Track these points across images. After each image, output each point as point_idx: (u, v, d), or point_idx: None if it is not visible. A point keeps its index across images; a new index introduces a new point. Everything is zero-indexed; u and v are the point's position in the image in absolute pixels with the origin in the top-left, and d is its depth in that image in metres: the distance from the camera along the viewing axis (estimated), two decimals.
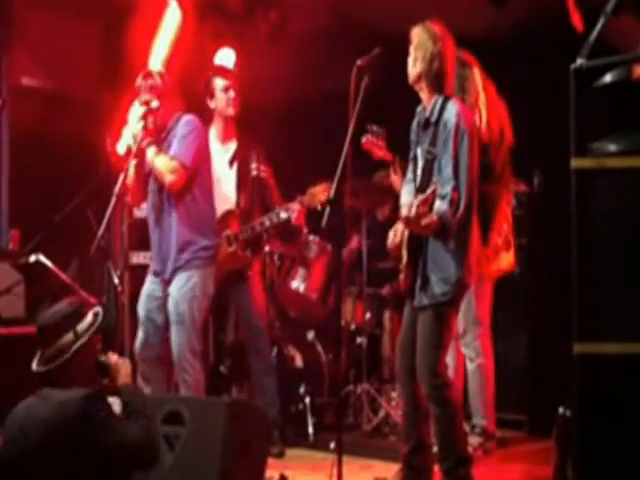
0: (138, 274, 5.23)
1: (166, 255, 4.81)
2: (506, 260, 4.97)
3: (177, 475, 3.88)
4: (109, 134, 5.53)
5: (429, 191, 3.77)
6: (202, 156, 4.90)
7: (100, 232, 4.60)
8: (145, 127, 4.76)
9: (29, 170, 6.03)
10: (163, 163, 4.73)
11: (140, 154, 4.79)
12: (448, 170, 3.92)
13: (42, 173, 6.07)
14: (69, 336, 3.15)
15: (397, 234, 4.07)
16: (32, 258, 5.06)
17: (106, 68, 5.13)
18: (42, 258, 5.05)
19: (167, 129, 4.86)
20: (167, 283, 4.83)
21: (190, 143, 4.80)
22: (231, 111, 5.29)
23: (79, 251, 5.80)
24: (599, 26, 2.73)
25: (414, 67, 4.06)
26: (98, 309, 3.31)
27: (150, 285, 4.92)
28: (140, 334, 4.85)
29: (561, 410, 3.46)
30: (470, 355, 4.99)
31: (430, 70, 4.02)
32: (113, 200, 4.64)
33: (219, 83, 5.27)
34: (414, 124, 4.23)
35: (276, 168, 5.47)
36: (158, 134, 4.85)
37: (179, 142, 4.78)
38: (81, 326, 3.18)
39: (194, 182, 4.84)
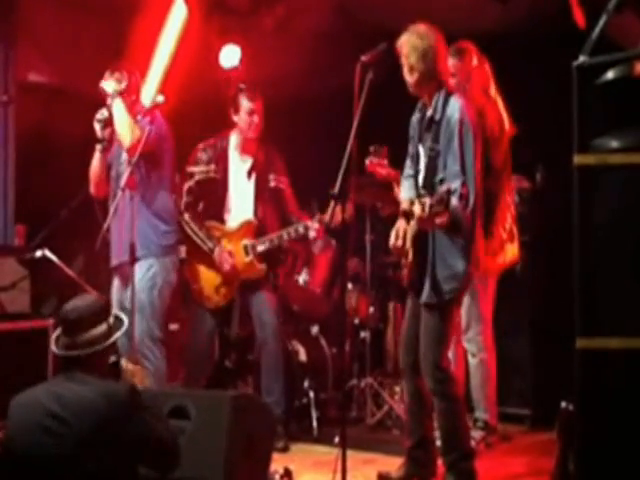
0: None
1: (126, 241, 4.73)
2: (511, 252, 4.98)
3: (182, 469, 3.91)
4: None
5: (443, 190, 3.75)
6: (163, 138, 4.93)
7: (105, 226, 4.63)
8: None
9: (35, 165, 6.04)
10: (128, 120, 4.77)
11: (109, 139, 4.90)
12: (455, 166, 3.92)
13: (48, 168, 6.08)
14: (103, 327, 3.18)
15: (399, 234, 4.03)
16: (38, 253, 5.07)
17: (113, 64, 5.14)
18: (48, 253, 5.06)
19: None
20: (127, 272, 4.79)
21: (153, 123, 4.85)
22: (251, 135, 5.29)
23: (85, 246, 5.81)
24: (601, 23, 2.76)
25: (412, 75, 4.07)
26: (117, 313, 3.38)
27: (118, 277, 4.98)
28: None
29: (563, 404, 3.49)
30: (472, 350, 5.02)
31: (427, 68, 4.03)
32: (119, 194, 4.67)
33: (245, 104, 5.23)
34: (413, 120, 4.23)
35: None
36: None
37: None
38: (111, 322, 3.22)
39: (153, 169, 4.90)
